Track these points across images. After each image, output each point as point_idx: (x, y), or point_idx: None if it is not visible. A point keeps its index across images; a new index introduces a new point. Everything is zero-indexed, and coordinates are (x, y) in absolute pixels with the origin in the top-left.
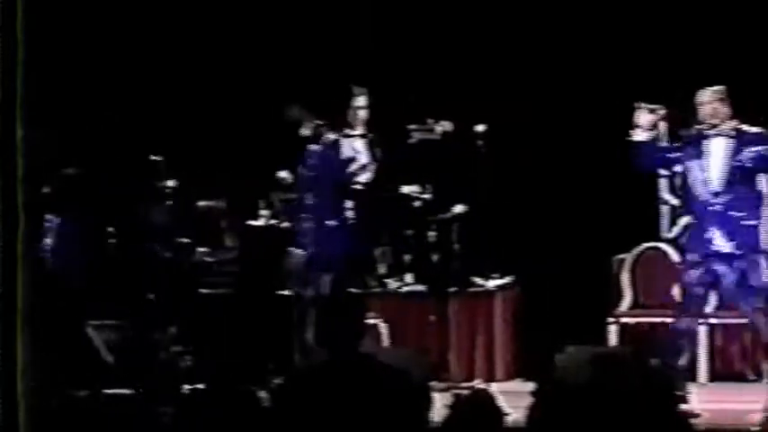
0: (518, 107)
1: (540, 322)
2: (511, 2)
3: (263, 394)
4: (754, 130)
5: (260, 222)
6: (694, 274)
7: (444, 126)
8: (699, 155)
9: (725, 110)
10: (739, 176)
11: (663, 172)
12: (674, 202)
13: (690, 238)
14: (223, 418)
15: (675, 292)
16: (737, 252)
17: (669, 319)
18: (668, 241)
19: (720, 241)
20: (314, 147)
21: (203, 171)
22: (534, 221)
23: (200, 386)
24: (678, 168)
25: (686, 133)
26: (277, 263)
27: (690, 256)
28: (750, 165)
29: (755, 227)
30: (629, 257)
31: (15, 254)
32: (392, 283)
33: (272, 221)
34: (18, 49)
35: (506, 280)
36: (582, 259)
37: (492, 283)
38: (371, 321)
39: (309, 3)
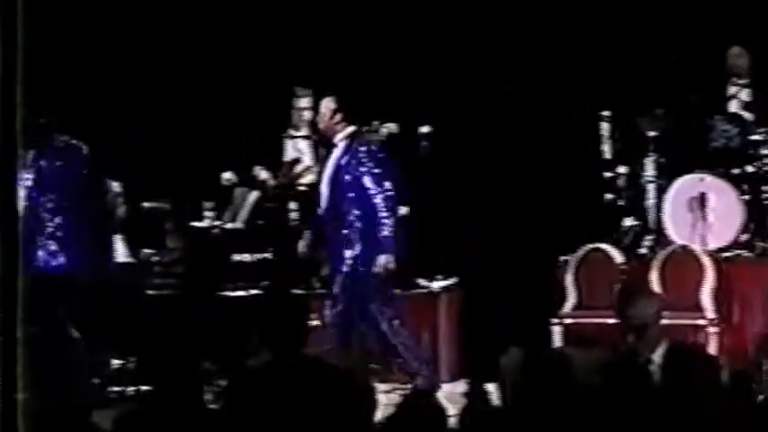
0: (461, 108)
1: (485, 324)
2: (453, 3)
3: (208, 396)
4: None
5: (204, 224)
6: None
7: (389, 128)
8: None
9: None
10: None
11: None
12: (620, 202)
13: None
14: (168, 420)
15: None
16: None
17: (612, 320)
18: (612, 242)
19: None
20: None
21: (148, 172)
22: (478, 223)
23: (145, 388)
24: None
25: None
26: (221, 264)
27: None
28: None
29: None
30: (573, 259)
31: (16, 254)
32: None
33: (216, 222)
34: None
35: (450, 281)
36: (526, 261)
37: (436, 285)
38: (316, 323)
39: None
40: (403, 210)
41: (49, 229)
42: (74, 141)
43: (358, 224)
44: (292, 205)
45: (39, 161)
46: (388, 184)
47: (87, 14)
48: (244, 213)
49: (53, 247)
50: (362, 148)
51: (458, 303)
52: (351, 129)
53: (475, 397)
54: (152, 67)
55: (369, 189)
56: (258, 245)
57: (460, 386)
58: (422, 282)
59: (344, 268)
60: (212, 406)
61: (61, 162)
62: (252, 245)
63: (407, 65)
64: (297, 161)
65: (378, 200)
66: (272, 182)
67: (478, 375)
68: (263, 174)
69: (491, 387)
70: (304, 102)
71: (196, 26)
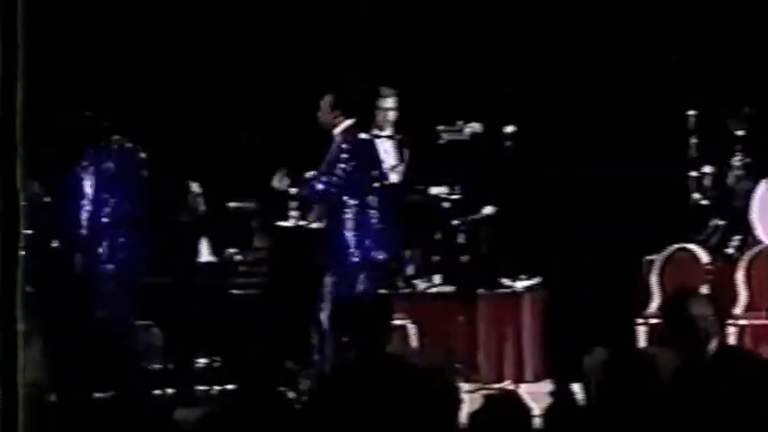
0: (547, 107)
1: (569, 323)
2: (539, 3)
3: (292, 395)
4: None
5: (289, 223)
6: None
7: (473, 127)
8: None
9: None
10: None
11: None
12: (704, 202)
13: None
14: (252, 419)
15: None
16: None
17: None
18: (698, 242)
19: None
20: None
21: (235, 172)
22: (563, 222)
23: (230, 387)
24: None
25: None
26: (306, 264)
27: None
28: None
29: None
30: (658, 258)
31: (15, 254)
32: (420, 285)
33: (302, 222)
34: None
35: (534, 281)
36: (611, 260)
37: (520, 285)
38: (400, 322)
39: (337, 3)
40: (488, 209)
41: (112, 231)
42: (130, 144)
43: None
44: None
45: (99, 163)
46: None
47: (157, 13)
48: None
49: (113, 248)
50: (344, 146)
51: (542, 303)
52: (348, 122)
53: (559, 397)
54: (236, 66)
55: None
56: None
57: (545, 386)
58: (505, 281)
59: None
60: (296, 405)
61: (121, 164)
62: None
63: (492, 64)
64: (381, 161)
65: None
66: None
67: (563, 375)
68: None
69: (575, 387)
70: (389, 102)
71: (281, 23)
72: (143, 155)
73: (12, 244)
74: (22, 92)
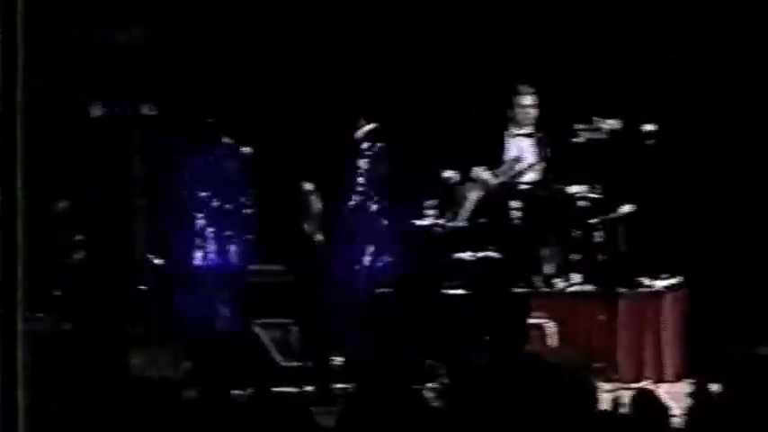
0: (686, 104)
1: (709, 323)
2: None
3: (429, 394)
4: None
5: (425, 222)
6: None
7: (611, 124)
8: None
9: None
10: None
11: None
12: None
13: None
14: (388, 417)
15: None
16: None
17: None
18: None
19: None
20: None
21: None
22: (703, 220)
23: (368, 385)
24: None
25: None
26: (443, 263)
27: None
28: None
29: None
30: None
31: (15, 254)
32: (559, 283)
33: (438, 221)
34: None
35: (675, 280)
36: (752, 259)
37: (660, 284)
38: (539, 321)
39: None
40: (626, 208)
41: (213, 228)
42: (230, 141)
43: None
44: (514, 203)
45: (204, 161)
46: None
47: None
48: (465, 212)
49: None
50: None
51: (682, 302)
52: (369, 126)
53: (699, 396)
54: (369, 65)
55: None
56: (480, 243)
57: (684, 385)
58: (645, 281)
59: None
60: (434, 404)
61: (226, 162)
62: (473, 243)
63: (632, 61)
64: (518, 159)
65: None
66: (493, 180)
67: (702, 375)
68: (484, 173)
69: (714, 386)
70: (527, 99)
71: (414, 23)
72: (247, 153)
73: (12, 244)
74: (21, 92)
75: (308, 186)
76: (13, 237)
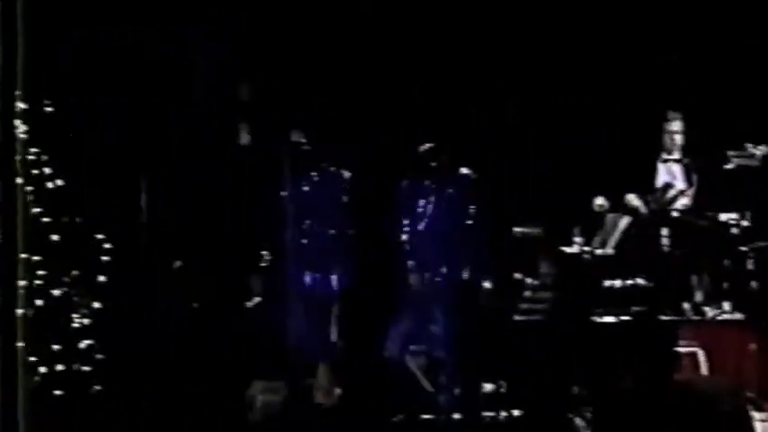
0: None
1: None
2: None
3: (578, 421)
4: None
5: (574, 249)
6: None
7: (764, 151)
8: None
9: None
10: None
11: None
12: None
13: None
14: None
15: None
16: None
17: None
18: None
19: None
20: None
21: (522, 199)
22: None
23: (515, 412)
24: None
25: None
26: (592, 290)
27: None
28: None
29: None
30: None
31: (15, 254)
32: (709, 311)
33: (586, 248)
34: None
35: None
36: None
37: None
38: (688, 349)
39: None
40: None
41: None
42: (334, 168)
43: None
44: (664, 231)
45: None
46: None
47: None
48: (614, 239)
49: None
50: None
51: None
52: None
53: None
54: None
55: None
56: (629, 271)
57: None
58: None
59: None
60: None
61: (328, 188)
62: (623, 271)
63: None
64: (669, 186)
65: None
66: (644, 209)
67: None
68: (635, 201)
69: None
70: (675, 125)
71: (565, 54)
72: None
73: (12, 245)
74: (21, 92)
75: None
76: (14, 238)
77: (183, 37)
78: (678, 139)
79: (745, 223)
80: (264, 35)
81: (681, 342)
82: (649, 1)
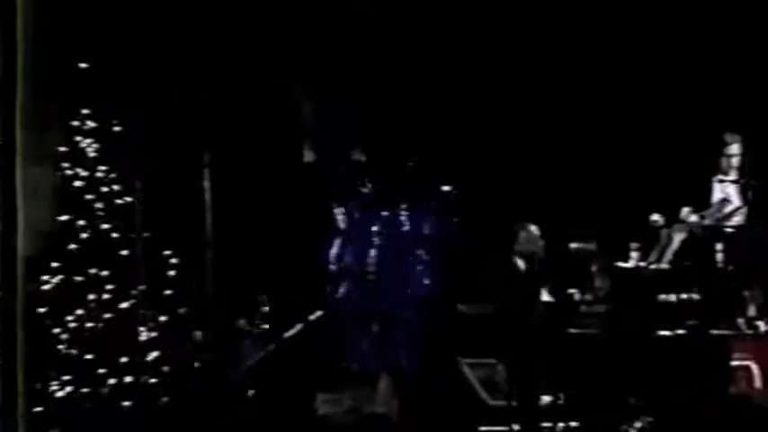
0: None
1: None
2: None
3: None
4: None
5: (630, 264)
6: None
7: None
8: None
9: None
10: None
11: None
12: None
13: None
14: None
15: None
16: None
17: None
18: None
19: None
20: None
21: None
22: None
23: (573, 424)
24: None
25: None
26: (647, 304)
27: None
28: None
29: None
30: None
31: (15, 255)
32: (762, 326)
33: (642, 263)
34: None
35: None
36: None
37: None
38: (742, 363)
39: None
40: None
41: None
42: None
43: None
44: (719, 246)
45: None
46: None
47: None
48: (669, 254)
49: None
50: None
51: None
52: None
53: None
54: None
55: None
56: (684, 285)
57: None
58: None
59: None
60: None
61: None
62: (678, 285)
63: None
64: (725, 201)
65: None
66: (700, 223)
67: None
68: (691, 215)
69: None
70: (733, 148)
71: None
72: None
73: (11, 245)
74: (22, 92)
75: (534, 229)
76: (14, 238)
77: None
78: (735, 161)
79: None
80: None
81: (734, 356)
82: (711, 26)
